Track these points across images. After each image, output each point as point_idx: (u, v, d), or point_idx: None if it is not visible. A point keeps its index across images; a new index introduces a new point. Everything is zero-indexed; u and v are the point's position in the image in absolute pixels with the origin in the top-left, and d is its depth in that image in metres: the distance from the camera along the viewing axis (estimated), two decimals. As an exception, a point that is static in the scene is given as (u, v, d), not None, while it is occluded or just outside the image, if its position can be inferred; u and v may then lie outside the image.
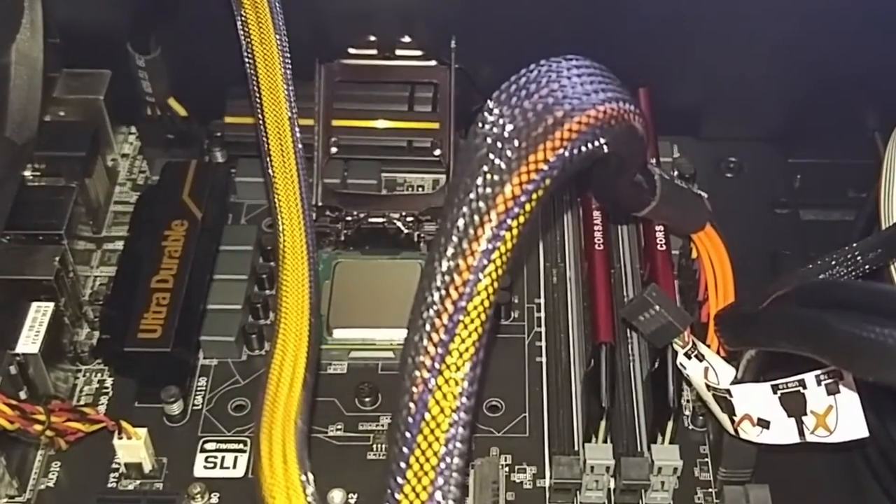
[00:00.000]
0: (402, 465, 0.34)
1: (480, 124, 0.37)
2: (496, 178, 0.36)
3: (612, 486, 0.51)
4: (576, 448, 0.52)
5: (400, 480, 0.33)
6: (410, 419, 0.34)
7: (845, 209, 0.64)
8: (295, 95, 0.52)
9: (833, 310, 0.38)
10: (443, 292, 0.35)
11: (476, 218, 0.35)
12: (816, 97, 0.64)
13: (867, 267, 0.48)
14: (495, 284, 0.35)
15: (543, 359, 0.56)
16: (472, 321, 0.35)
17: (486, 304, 0.35)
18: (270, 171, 0.47)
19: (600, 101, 0.37)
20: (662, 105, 0.61)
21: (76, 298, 0.57)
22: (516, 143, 0.36)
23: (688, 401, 0.54)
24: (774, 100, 0.65)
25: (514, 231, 0.36)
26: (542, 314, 0.58)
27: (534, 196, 0.36)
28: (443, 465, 0.34)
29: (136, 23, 0.61)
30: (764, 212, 0.64)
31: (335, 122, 0.61)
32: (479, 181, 0.36)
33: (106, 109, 0.63)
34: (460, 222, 0.35)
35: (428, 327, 0.35)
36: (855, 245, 0.48)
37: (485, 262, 0.35)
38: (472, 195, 0.36)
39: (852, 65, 0.62)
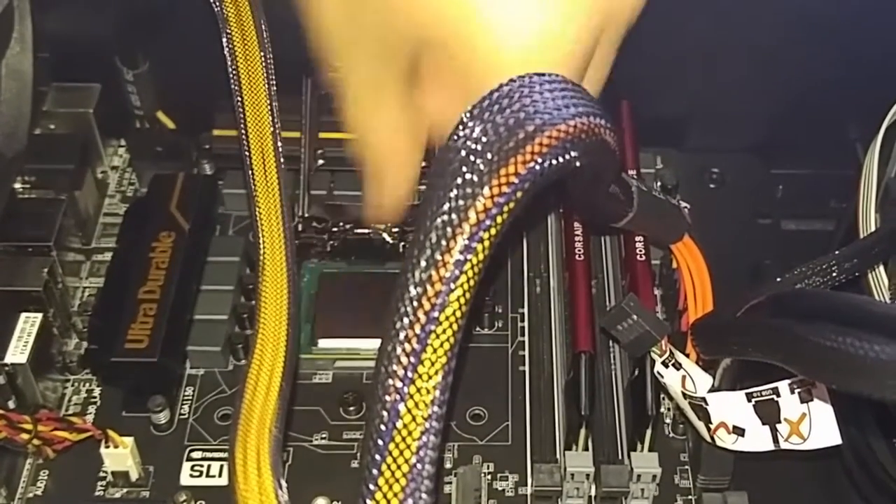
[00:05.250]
0: (375, 472, 0.34)
1: (454, 137, 0.38)
2: (469, 190, 0.36)
3: (592, 493, 0.52)
4: (556, 456, 0.52)
5: (372, 487, 0.34)
6: (383, 427, 0.35)
7: (827, 219, 0.64)
8: (281, 109, 0.52)
9: (804, 320, 0.39)
10: (415, 303, 0.35)
11: (449, 230, 0.36)
12: (798, 108, 0.65)
13: (843, 277, 0.48)
14: (467, 296, 0.36)
15: (526, 368, 0.57)
16: (443, 331, 0.36)
17: (458, 314, 0.36)
18: (252, 184, 0.48)
19: (571, 115, 0.38)
20: (645, 117, 0.61)
21: (65, 309, 0.58)
22: (489, 156, 0.37)
23: (668, 409, 0.55)
24: (756, 111, 0.66)
25: (486, 243, 0.36)
26: (526, 324, 0.59)
27: (505, 209, 0.37)
28: (414, 472, 0.34)
29: (124, 38, 0.62)
30: (746, 222, 0.64)
31: (322, 135, 0.62)
32: (452, 193, 0.36)
33: (95, 122, 0.63)
34: (433, 234, 0.36)
35: (401, 337, 0.35)
36: (831, 255, 0.48)
37: (457, 273, 0.36)
38: (444, 207, 0.36)
39: (834, 76, 0.63)
